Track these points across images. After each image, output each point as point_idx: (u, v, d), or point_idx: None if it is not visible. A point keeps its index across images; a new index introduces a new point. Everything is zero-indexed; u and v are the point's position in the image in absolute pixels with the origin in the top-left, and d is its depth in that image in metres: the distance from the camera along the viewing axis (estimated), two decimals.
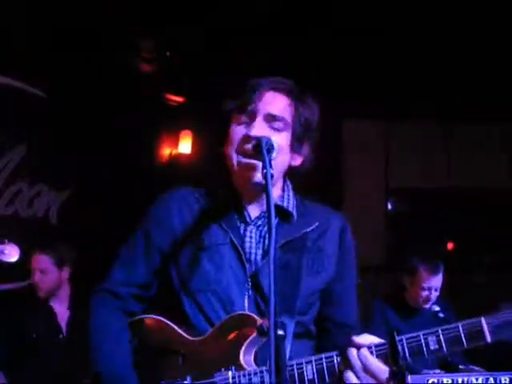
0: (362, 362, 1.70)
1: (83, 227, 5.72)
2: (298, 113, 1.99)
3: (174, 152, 6.94)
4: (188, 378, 1.86)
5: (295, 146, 2.01)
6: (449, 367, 4.04)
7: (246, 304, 1.94)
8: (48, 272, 4.36)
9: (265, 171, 1.73)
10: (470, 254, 7.04)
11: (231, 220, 2.02)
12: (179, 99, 6.85)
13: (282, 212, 2.02)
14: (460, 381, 3.40)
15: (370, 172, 7.23)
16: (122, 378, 1.92)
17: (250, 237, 2.01)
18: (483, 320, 1.63)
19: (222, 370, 1.83)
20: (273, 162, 1.80)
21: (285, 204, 2.05)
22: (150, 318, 2.01)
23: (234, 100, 2.01)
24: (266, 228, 2.02)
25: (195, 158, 6.92)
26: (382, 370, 1.69)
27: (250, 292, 1.95)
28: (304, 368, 1.76)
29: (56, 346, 4.31)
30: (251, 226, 2.02)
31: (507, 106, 6.36)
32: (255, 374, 1.79)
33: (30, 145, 5.60)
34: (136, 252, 2.08)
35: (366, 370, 1.70)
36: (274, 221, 1.60)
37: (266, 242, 2.00)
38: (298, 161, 2.05)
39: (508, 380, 3.30)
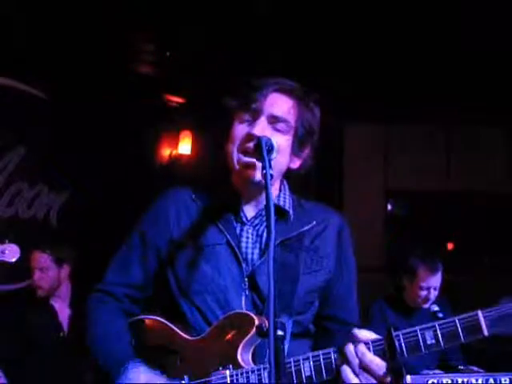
0: (358, 357, 1.70)
1: (83, 228, 5.72)
2: (301, 116, 2.00)
3: (174, 152, 6.95)
4: (186, 378, 1.86)
5: (296, 148, 2.01)
6: (449, 368, 4.04)
7: (243, 303, 1.94)
8: (47, 270, 4.38)
9: (264, 171, 1.73)
10: (469, 255, 7.04)
11: (227, 220, 2.02)
12: (179, 100, 6.86)
13: (279, 211, 2.03)
14: (460, 381, 3.40)
15: (370, 174, 7.23)
16: (123, 358, 1.91)
17: (247, 237, 2.01)
18: (480, 313, 1.62)
19: (220, 368, 1.83)
20: (272, 163, 1.80)
21: (281, 203, 2.05)
22: (149, 319, 2.01)
23: (237, 98, 2.01)
24: (262, 227, 2.03)
25: (195, 158, 6.93)
26: (380, 365, 1.69)
27: (247, 292, 1.95)
28: (301, 365, 1.76)
29: (57, 345, 4.32)
30: (247, 226, 2.03)
31: (506, 108, 6.37)
32: (253, 372, 1.79)
33: (29, 146, 5.61)
34: (132, 252, 2.09)
35: (363, 365, 1.70)
36: (274, 222, 1.60)
37: (263, 240, 2.00)
38: (296, 163, 2.06)
39: (508, 381, 3.31)
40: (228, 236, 1.99)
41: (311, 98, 2.05)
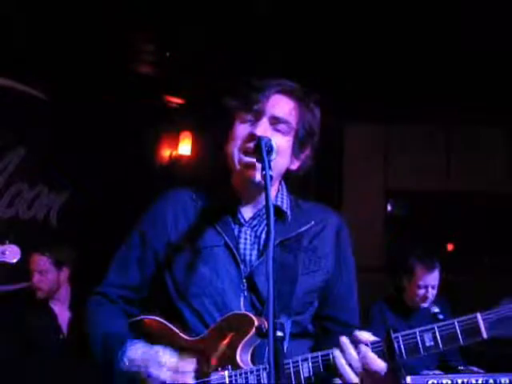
0: (360, 358, 1.70)
1: (83, 228, 5.72)
2: (302, 117, 2.01)
3: (174, 153, 6.95)
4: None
5: (296, 149, 2.02)
6: (449, 368, 4.04)
7: (242, 305, 1.93)
8: (47, 273, 4.38)
9: (264, 172, 1.73)
10: (469, 255, 7.04)
11: (225, 222, 2.02)
12: (179, 100, 6.86)
13: (277, 212, 2.03)
14: (460, 381, 3.41)
15: (370, 174, 7.23)
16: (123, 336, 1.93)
17: (245, 238, 2.01)
18: (479, 316, 1.62)
19: (219, 369, 1.83)
20: (272, 164, 1.80)
21: (279, 203, 2.05)
22: (149, 319, 2.01)
23: (238, 98, 2.01)
24: (261, 228, 2.03)
25: (195, 159, 6.93)
26: (381, 366, 1.69)
27: (246, 293, 1.95)
28: (300, 366, 1.75)
29: (56, 347, 4.31)
30: (245, 227, 2.03)
31: (506, 108, 6.36)
32: (251, 372, 1.79)
33: (29, 146, 5.61)
34: (131, 253, 2.09)
35: (364, 366, 1.70)
36: (273, 223, 1.60)
37: (261, 241, 2.00)
38: (295, 165, 2.06)
39: (508, 381, 3.31)
40: (226, 238, 1.99)
41: (312, 99, 2.06)
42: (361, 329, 1.78)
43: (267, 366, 1.64)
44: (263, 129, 1.93)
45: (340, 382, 1.74)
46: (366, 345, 1.71)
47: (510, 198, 6.89)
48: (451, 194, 7.12)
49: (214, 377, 1.82)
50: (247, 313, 1.87)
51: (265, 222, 2.00)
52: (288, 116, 1.98)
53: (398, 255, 5.00)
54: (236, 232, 2.02)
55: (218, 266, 1.97)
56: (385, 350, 1.68)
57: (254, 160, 1.90)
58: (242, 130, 1.97)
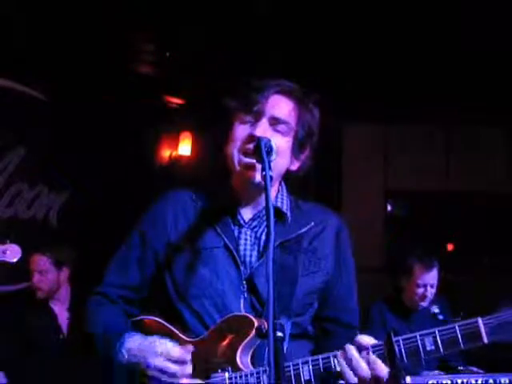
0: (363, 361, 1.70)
1: (83, 228, 5.72)
2: (301, 118, 2.01)
3: (174, 154, 6.95)
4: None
5: (296, 150, 2.02)
6: (448, 368, 4.04)
7: (242, 306, 1.93)
8: (47, 273, 4.38)
9: (264, 173, 1.73)
10: (469, 255, 7.04)
11: (225, 223, 2.02)
12: (179, 101, 6.86)
13: (277, 213, 2.02)
14: (460, 382, 3.41)
15: (370, 174, 7.23)
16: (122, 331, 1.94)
17: (245, 239, 2.01)
18: (480, 321, 1.62)
19: (219, 371, 1.83)
20: (272, 164, 1.80)
21: (279, 204, 2.05)
22: (149, 319, 2.01)
23: (238, 99, 2.01)
24: (261, 229, 2.03)
25: (195, 159, 6.93)
26: (382, 368, 1.69)
27: (246, 294, 1.95)
28: (300, 369, 1.75)
29: (56, 347, 4.31)
30: (245, 228, 2.03)
31: (506, 108, 6.36)
32: (251, 374, 1.79)
33: (29, 146, 5.61)
34: (131, 252, 2.09)
35: (371, 372, 1.69)
36: (273, 224, 1.60)
37: (261, 242, 2.00)
38: (295, 165, 2.05)
39: (508, 381, 3.31)
40: (225, 239, 1.98)
41: (311, 99, 2.06)
42: (361, 330, 1.78)
43: (267, 369, 1.64)
44: (263, 129, 1.93)
45: (342, 382, 1.74)
46: (367, 349, 1.71)
47: (510, 198, 6.89)
48: (451, 194, 7.12)
49: (214, 378, 1.83)
50: (247, 314, 1.87)
51: (265, 223, 2.00)
52: (287, 116, 1.97)
53: (398, 255, 5.00)
54: (236, 233, 2.01)
55: (218, 267, 1.97)
56: (385, 353, 1.68)
57: (254, 161, 1.90)
58: (241, 130, 1.97)
